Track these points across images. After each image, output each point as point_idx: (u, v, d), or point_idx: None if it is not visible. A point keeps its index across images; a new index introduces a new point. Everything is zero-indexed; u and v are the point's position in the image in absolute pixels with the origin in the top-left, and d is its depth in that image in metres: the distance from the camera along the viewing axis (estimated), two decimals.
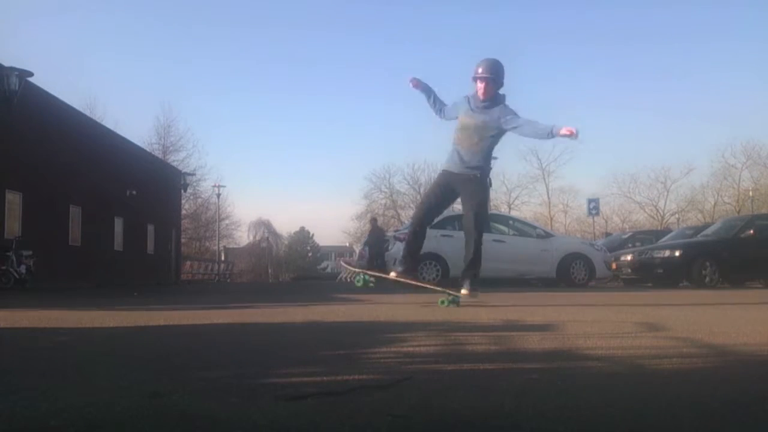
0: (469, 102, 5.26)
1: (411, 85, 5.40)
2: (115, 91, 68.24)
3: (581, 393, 1.63)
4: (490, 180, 5.37)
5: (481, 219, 5.24)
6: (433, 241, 11.45)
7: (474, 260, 5.22)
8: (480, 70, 5.15)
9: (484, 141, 5.19)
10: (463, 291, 5.17)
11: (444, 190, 5.45)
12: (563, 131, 4.85)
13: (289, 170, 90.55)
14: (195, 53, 75.39)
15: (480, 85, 5.16)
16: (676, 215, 43.51)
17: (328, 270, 54.46)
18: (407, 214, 42.66)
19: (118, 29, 70.06)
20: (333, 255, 68.27)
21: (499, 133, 5.20)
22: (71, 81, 55.28)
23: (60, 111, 17.24)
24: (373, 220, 20.52)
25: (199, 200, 41.91)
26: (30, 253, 12.96)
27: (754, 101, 59.14)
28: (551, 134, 4.95)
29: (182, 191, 28.56)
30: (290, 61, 77.72)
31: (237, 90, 79.87)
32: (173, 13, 72.44)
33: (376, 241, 19.17)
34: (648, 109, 67.02)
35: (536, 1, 67.03)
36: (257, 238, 60.74)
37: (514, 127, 5.10)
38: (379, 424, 1.30)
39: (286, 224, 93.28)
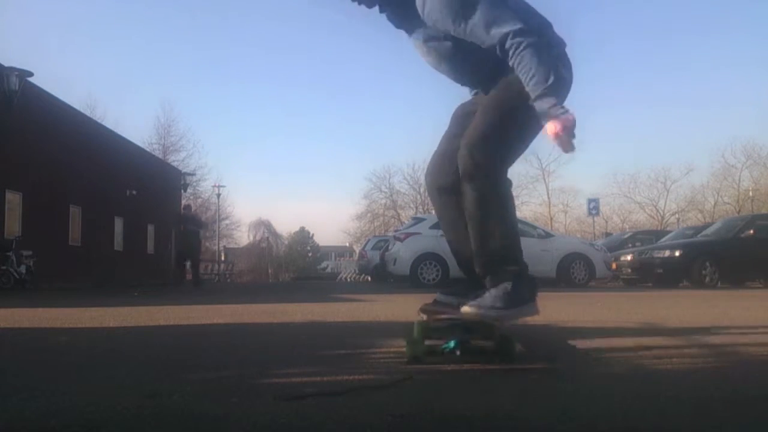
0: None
1: None
2: (115, 89, 68.20)
3: (581, 393, 1.63)
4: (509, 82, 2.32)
5: (489, 149, 2.29)
6: (433, 240, 11.45)
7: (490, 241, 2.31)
8: None
9: (456, 55, 2.43)
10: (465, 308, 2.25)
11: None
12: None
13: (289, 170, 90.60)
14: (195, 52, 75.40)
15: None
16: (676, 215, 43.49)
17: (328, 270, 54.51)
18: (407, 214, 42.65)
19: (117, 27, 70.08)
20: (333, 255, 68.34)
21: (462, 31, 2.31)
22: (69, 79, 55.13)
23: (60, 111, 17.24)
24: (186, 207, 14.92)
25: (199, 200, 41.94)
26: (30, 253, 12.97)
27: (754, 100, 59.13)
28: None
29: (182, 191, 28.56)
30: (291, 62, 77.76)
31: (237, 89, 79.93)
32: (174, 12, 72.44)
33: (185, 237, 14.54)
34: (648, 108, 67.01)
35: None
36: (257, 238, 60.78)
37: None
38: (379, 424, 1.30)
39: (286, 224, 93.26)
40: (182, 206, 15.16)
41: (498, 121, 2.31)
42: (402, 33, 2.52)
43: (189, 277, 15.32)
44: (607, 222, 43.17)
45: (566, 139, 2.12)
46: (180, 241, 14.90)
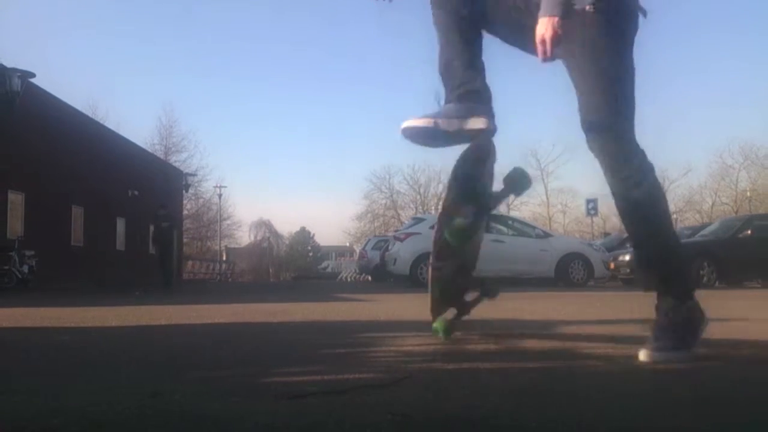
0: None
1: None
2: (117, 89, 68.21)
3: (581, 393, 1.63)
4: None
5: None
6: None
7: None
8: None
9: None
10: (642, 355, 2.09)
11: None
12: None
13: (290, 170, 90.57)
14: (197, 50, 75.40)
15: None
16: (674, 215, 43.41)
17: (329, 270, 54.46)
18: (407, 214, 42.64)
19: (118, 24, 70.08)
20: (333, 255, 68.29)
21: None
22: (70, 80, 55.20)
23: (62, 112, 17.27)
24: (162, 206, 14.30)
25: (201, 200, 42.02)
26: (32, 253, 13.00)
27: (754, 101, 59.05)
28: None
29: (184, 192, 28.57)
30: (291, 61, 77.74)
31: (235, 88, 79.89)
32: (175, 10, 72.46)
33: (162, 235, 14.04)
34: (646, 108, 66.83)
35: None
36: (258, 238, 60.81)
37: None
38: (379, 423, 1.31)
39: (287, 224, 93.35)
40: (159, 206, 14.58)
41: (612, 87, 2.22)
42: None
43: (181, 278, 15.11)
44: (605, 222, 43.11)
45: (548, 48, 2.10)
46: (157, 240, 14.47)
